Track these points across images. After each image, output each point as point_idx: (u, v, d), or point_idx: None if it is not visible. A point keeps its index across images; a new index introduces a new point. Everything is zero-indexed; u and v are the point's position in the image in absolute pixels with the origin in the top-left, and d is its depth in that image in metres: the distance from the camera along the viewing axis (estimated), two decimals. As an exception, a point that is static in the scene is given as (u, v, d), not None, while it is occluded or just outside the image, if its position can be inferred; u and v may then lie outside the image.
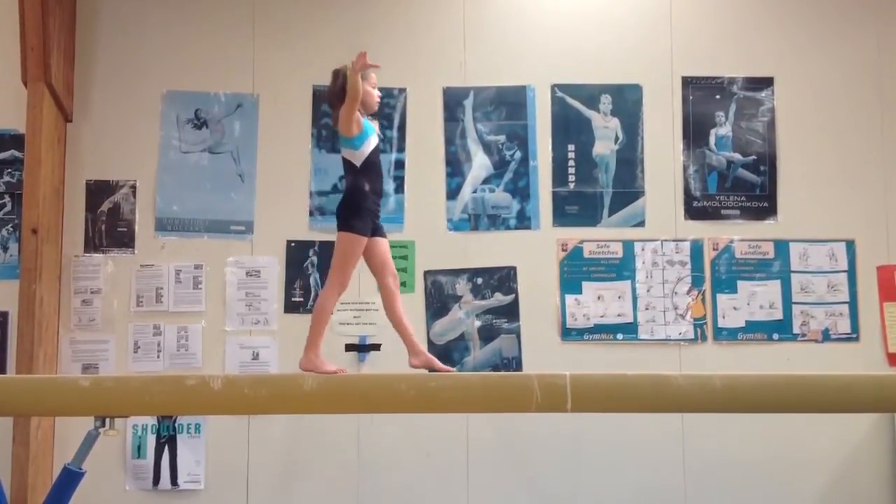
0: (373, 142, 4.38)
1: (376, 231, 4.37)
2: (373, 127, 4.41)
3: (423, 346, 4.46)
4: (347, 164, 4.39)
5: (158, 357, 5.97)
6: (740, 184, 6.22)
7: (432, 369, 4.25)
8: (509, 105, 6.20)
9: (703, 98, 6.26)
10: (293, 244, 6.09)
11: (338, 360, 5.89)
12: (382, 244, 4.39)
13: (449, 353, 6.02)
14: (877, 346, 6.10)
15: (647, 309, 6.09)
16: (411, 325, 4.38)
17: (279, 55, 6.20)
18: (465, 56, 6.23)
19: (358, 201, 4.33)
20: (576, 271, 6.11)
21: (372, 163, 4.39)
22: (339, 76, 4.38)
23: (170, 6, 6.21)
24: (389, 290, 4.35)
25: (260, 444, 5.93)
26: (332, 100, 4.46)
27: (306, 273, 6.07)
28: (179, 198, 6.10)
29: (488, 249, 6.11)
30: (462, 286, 6.09)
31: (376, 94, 4.44)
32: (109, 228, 6.05)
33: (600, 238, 6.13)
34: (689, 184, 6.21)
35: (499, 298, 6.08)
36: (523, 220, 6.13)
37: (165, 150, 6.12)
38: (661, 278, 6.12)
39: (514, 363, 6.01)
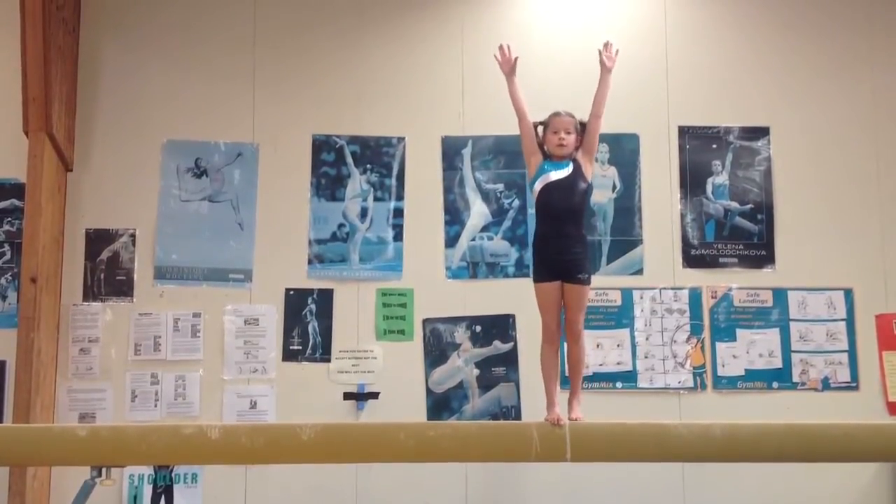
0: (537, 187, 4.51)
1: (566, 276, 4.40)
2: (549, 168, 4.52)
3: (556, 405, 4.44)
4: None
5: (156, 406, 5.94)
6: (738, 232, 6.24)
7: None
8: (507, 154, 6.24)
9: (699, 147, 6.30)
10: (292, 292, 6.09)
11: (335, 408, 5.90)
12: (567, 290, 4.44)
13: (448, 401, 6.00)
14: (876, 395, 6.08)
15: (646, 357, 6.08)
16: (557, 381, 4.51)
17: (279, 105, 6.25)
18: (464, 106, 6.28)
19: (534, 248, 4.56)
20: (574, 319, 6.11)
21: (539, 205, 4.53)
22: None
23: (170, 56, 6.27)
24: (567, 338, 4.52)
25: (257, 493, 5.88)
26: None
27: (305, 321, 6.06)
28: (178, 246, 6.11)
29: (487, 297, 6.11)
30: (461, 334, 6.09)
31: (557, 138, 4.54)
32: (108, 277, 6.06)
33: (599, 286, 6.11)
34: (687, 232, 6.23)
35: (497, 346, 6.07)
36: (522, 268, 6.14)
37: (165, 198, 6.15)
38: (660, 326, 6.12)
39: (514, 412, 5.99)
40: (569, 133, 4.54)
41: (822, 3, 6.45)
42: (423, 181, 6.23)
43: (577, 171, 4.50)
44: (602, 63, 4.61)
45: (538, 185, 4.50)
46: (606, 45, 4.64)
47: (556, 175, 4.48)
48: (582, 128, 4.58)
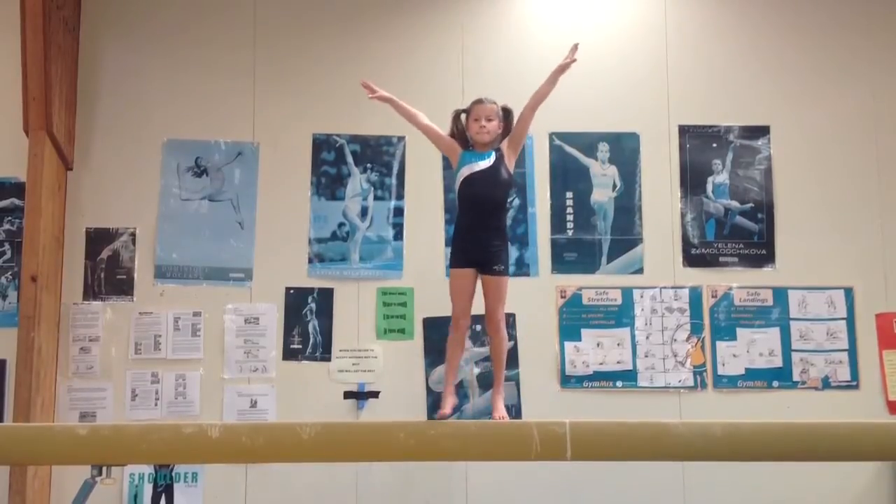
0: (460, 177, 4.55)
1: (483, 268, 4.47)
2: (470, 159, 4.55)
3: (451, 396, 4.70)
4: None
5: (156, 405, 5.95)
6: (738, 231, 6.24)
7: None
8: (507, 153, 6.23)
9: (700, 146, 6.30)
10: (292, 291, 6.09)
11: (336, 407, 5.90)
12: (485, 281, 4.53)
13: (448, 400, 6.00)
14: (877, 394, 6.08)
15: (646, 356, 6.08)
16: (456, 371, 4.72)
17: (279, 104, 6.25)
18: (464, 104, 6.26)
19: (454, 237, 4.64)
20: (575, 318, 6.11)
21: (461, 196, 4.56)
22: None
23: (171, 55, 6.27)
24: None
25: (258, 492, 5.88)
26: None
27: (305, 320, 6.06)
28: (179, 245, 6.11)
29: (487, 296, 6.11)
30: (461, 333, 6.08)
31: (478, 125, 4.58)
32: (109, 276, 6.06)
33: (599, 285, 6.13)
34: (687, 231, 6.23)
35: (498, 346, 6.06)
36: (522, 267, 6.14)
37: (165, 197, 6.15)
38: (661, 325, 6.12)
39: (514, 411, 5.98)
40: (490, 120, 4.56)
41: (822, 2, 6.45)
42: (423, 180, 6.23)
43: (500, 162, 4.54)
44: (563, 64, 4.58)
45: (461, 176, 4.52)
46: (575, 47, 4.61)
47: (479, 166, 4.50)
48: (505, 115, 4.60)
